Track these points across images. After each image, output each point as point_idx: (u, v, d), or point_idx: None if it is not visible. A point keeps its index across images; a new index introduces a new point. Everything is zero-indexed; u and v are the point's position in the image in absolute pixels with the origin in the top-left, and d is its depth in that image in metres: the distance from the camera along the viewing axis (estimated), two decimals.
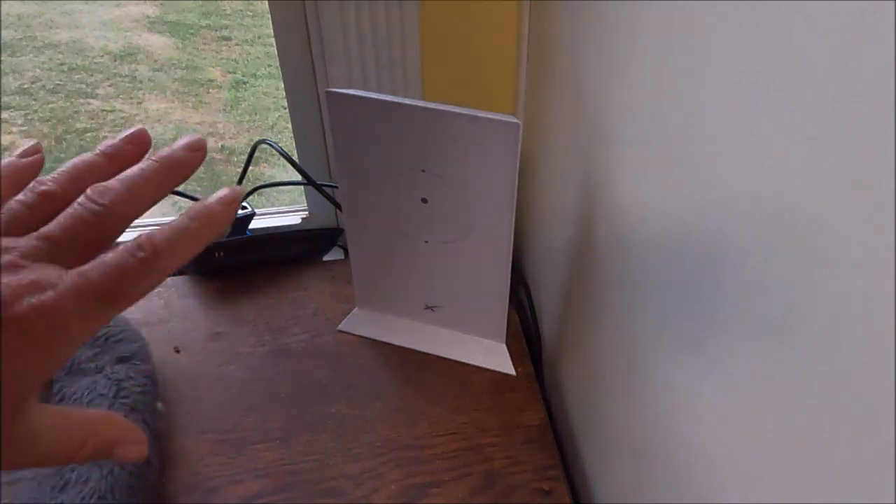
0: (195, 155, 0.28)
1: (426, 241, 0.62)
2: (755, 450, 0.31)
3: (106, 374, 0.56)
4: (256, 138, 0.81)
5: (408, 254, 0.64)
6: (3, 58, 2.59)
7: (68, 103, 2.43)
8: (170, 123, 2.37)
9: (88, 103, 2.44)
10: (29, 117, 2.34)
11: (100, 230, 0.25)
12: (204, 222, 0.26)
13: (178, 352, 0.68)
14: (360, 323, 0.71)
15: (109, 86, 2.54)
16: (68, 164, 0.27)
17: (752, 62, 0.29)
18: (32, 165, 0.28)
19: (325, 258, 0.84)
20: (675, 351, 0.40)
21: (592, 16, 0.51)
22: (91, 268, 0.23)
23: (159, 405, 0.59)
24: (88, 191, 0.25)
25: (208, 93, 2.56)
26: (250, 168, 0.82)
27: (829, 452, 0.26)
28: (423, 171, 0.57)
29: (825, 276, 0.25)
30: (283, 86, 0.78)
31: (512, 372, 0.67)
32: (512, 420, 0.62)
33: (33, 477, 0.53)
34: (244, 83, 2.62)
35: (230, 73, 2.68)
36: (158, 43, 2.81)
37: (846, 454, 0.25)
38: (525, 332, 0.72)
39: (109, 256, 0.24)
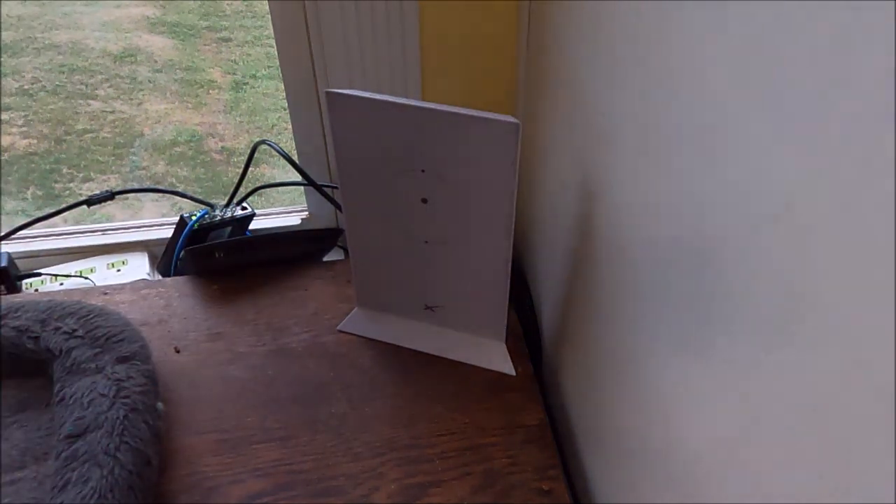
0: None
1: (426, 242, 0.62)
2: (755, 449, 0.31)
3: (106, 374, 0.56)
4: (256, 139, 0.81)
5: (407, 254, 0.64)
6: (3, 59, 2.59)
7: (68, 104, 2.43)
8: (170, 124, 2.37)
9: (88, 104, 2.44)
10: (29, 118, 2.34)
11: None
12: None
13: (178, 351, 0.68)
14: (360, 323, 0.72)
15: (109, 87, 2.54)
16: None
17: (752, 61, 0.29)
18: None
19: (326, 258, 0.84)
20: (674, 351, 0.40)
21: (592, 16, 0.51)
22: None
23: (159, 405, 0.59)
24: None
25: (208, 94, 2.56)
26: (250, 169, 0.82)
27: (829, 452, 0.26)
28: (423, 171, 0.57)
29: (825, 276, 0.25)
30: (283, 87, 0.78)
31: (512, 372, 0.67)
32: (512, 420, 0.62)
33: (34, 476, 0.53)
34: (244, 84, 2.62)
35: (230, 74, 2.68)
36: (158, 44, 2.81)
37: (846, 454, 0.25)
38: (525, 332, 0.72)
39: None
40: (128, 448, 0.51)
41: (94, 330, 0.60)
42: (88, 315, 0.61)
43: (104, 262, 0.86)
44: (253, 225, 0.87)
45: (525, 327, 0.74)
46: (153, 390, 0.59)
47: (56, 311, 0.61)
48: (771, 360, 0.29)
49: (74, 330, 0.59)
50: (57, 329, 0.59)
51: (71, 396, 0.54)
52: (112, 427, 0.52)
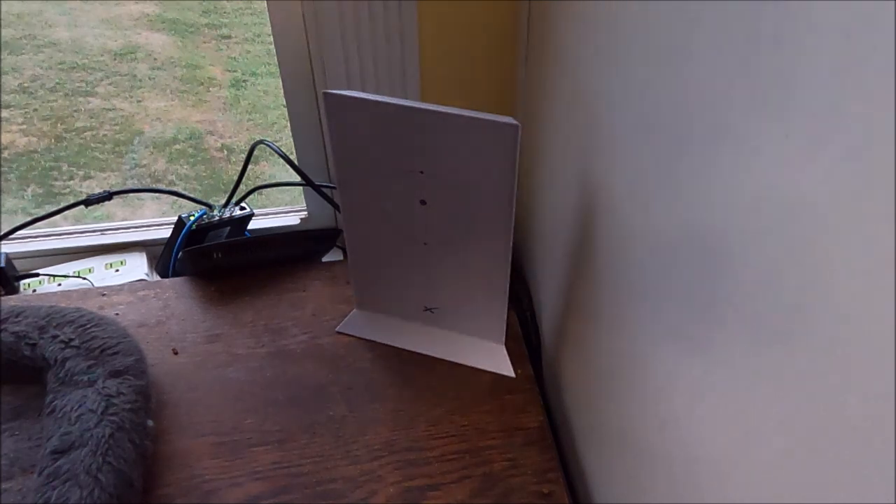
0: None
1: (425, 243, 0.62)
2: (756, 451, 0.31)
3: (97, 389, 0.55)
4: (256, 137, 0.81)
5: (406, 255, 0.64)
6: (2, 56, 2.59)
7: (68, 102, 2.43)
8: (169, 122, 2.37)
9: (88, 102, 2.43)
10: (29, 116, 2.34)
11: None
12: None
13: (176, 353, 0.67)
14: (358, 324, 0.71)
15: (109, 84, 2.54)
16: None
17: (753, 63, 0.29)
18: None
19: (324, 259, 0.84)
20: (675, 352, 0.40)
21: (592, 16, 0.50)
22: None
23: (150, 423, 0.58)
24: None
25: (208, 91, 2.55)
26: (250, 166, 0.82)
27: (830, 452, 0.26)
28: (422, 172, 0.57)
29: (825, 277, 0.25)
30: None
31: (511, 374, 0.66)
32: (511, 422, 0.62)
33: (19, 489, 0.52)
34: (244, 81, 2.62)
35: (230, 71, 2.67)
36: (158, 41, 2.81)
37: (846, 454, 0.25)
38: (524, 334, 0.72)
39: None
40: (110, 469, 0.50)
41: (91, 341, 0.58)
42: (87, 325, 0.60)
43: (102, 263, 0.85)
44: (252, 225, 0.86)
45: (525, 329, 0.73)
46: (144, 407, 0.58)
47: (55, 318, 0.60)
48: (772, 361, 0.29)
49: (71, 339, 0.58)
50: (55, 337, 0.58)
51: (61, 409, 0.53)
52: (97, 445, 0.51)
